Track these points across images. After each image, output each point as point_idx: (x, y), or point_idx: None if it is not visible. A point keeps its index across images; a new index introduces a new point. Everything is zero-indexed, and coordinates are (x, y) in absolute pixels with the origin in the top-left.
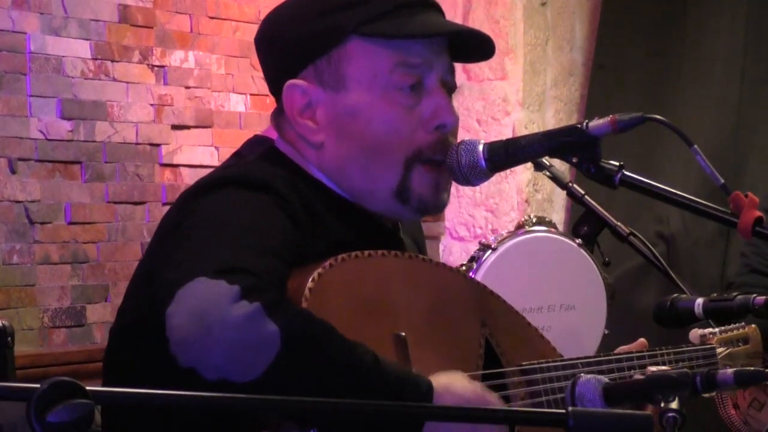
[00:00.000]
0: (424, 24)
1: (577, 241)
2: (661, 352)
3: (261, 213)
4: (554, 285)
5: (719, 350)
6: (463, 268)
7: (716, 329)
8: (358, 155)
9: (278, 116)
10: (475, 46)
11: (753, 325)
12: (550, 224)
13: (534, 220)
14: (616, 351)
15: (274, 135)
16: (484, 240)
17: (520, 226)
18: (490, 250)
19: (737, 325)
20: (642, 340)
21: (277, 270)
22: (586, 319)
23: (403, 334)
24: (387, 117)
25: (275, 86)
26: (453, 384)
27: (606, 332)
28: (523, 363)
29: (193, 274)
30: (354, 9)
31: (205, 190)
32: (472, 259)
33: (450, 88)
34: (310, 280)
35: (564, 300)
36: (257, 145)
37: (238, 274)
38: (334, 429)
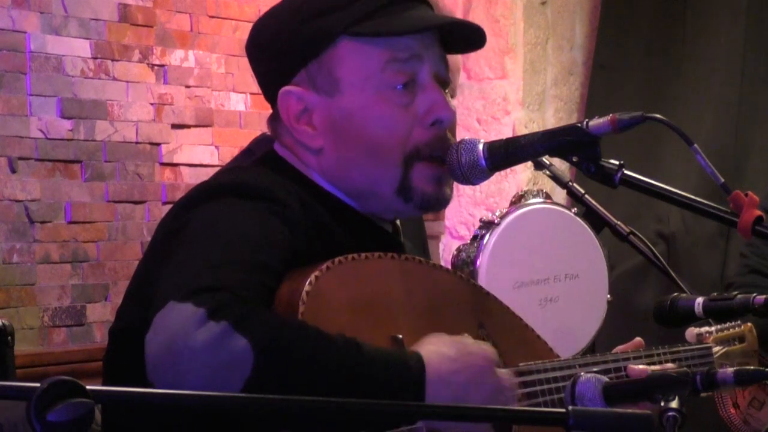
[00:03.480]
0: (411, 19)
1: (574, 210)
2: (657, 351)
3: (253, 223)
4: (557, 255)
5: (715, 349)
6: (471, 245)
7: (712, 328)
8: (358, 157)
9: (274, 121)
10: (466, 36)
11: (749, 324)
12: (547, 195)
13: (534, 192)
14: (612, 351)
15: None
16: (485, 217)
17: (516, 201)
18: (493, 226)
19: (733, 324)
20: (638, 339)
21: (259, 282)
22: (590, 287)
23: (400, 336)
24: (382, 117)
25: (269, 92)
26: (437, 345)
27: (609, 298)
28: (520, 364)
29: (167, 298)
30: (342, 10)
31: (200, 199)
32: (475, 237)
33: (444, 81)
34: (307, 283)
35: (568, 269)
36: (265, 144)
37: (207, 294)
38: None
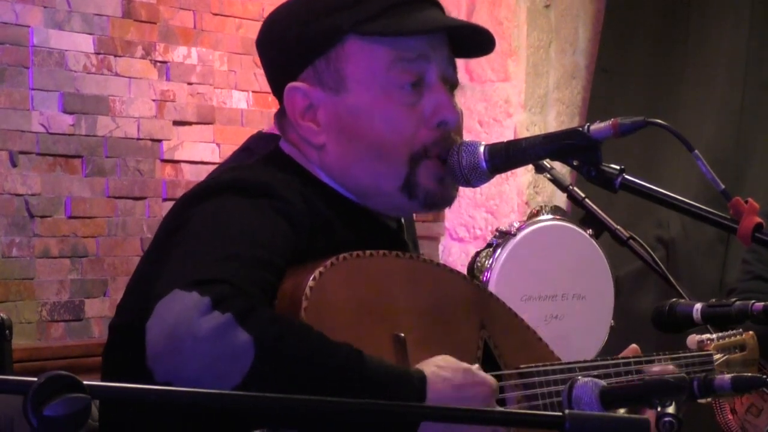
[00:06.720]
0: (420, 20)
1: (589, 232)
2: (658, 357)
3: (255, 220)
4: (567, 274)
5: (716, 357)
6: (485, 252)
7: (713, 335)
8: (362, 155)
9: (281, 117)
10: (475, 41)
11: (750, 332)
12: (564, 213)
13: (549, 209)
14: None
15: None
16: (501, 227)
17: (534, 215)
18: (509, 237)
19: (734, 332)
20: (634, 345)
21: (261, 279)
22: (595, 309)
23: (402, 334)
24: (388, 116)
25: (277, 88)
26: (443, 370)
27: (612, 324)
28: (521, 366)
29: (170, 287)
30: (351, 9)
31: (202, 196)
32: (490, 245)
33: (451, 83)
34: (311, 278)
35: (576, 289)
36: (264, 142)
37: (212, 285)
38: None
